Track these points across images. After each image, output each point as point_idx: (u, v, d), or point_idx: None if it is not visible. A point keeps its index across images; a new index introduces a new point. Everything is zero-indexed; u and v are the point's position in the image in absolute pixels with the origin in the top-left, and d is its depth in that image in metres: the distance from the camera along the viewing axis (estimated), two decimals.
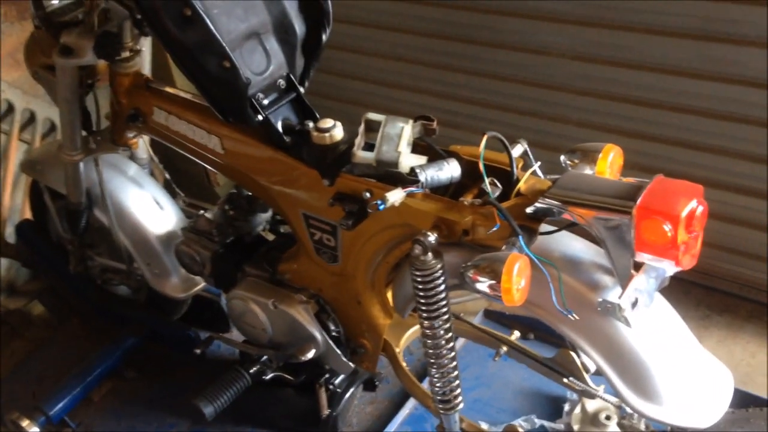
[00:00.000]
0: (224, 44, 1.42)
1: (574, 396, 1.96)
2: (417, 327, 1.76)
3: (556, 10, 2.34)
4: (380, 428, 2.06)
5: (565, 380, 1.63)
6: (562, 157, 1.40)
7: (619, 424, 1.85)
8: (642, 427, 1.82)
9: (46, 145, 2.55)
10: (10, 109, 2.68)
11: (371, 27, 2.73)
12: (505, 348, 1.71)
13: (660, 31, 2.20)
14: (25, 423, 2.06)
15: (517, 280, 1.17)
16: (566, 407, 1.97)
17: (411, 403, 2.08)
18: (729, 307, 2.42)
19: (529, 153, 1.44)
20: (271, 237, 1.93)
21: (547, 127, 2.55)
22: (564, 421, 1.93)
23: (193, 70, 1.47)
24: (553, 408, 2.05)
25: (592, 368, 1.60)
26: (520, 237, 1.22)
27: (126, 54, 1.73)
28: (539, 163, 1.38)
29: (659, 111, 2.31)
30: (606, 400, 1.61)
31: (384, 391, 2.17)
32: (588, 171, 1.34)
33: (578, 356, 1.60)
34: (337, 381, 1.86)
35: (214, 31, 1.41)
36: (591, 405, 1.90)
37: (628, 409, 1.65)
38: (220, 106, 1.54)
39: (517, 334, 1.74)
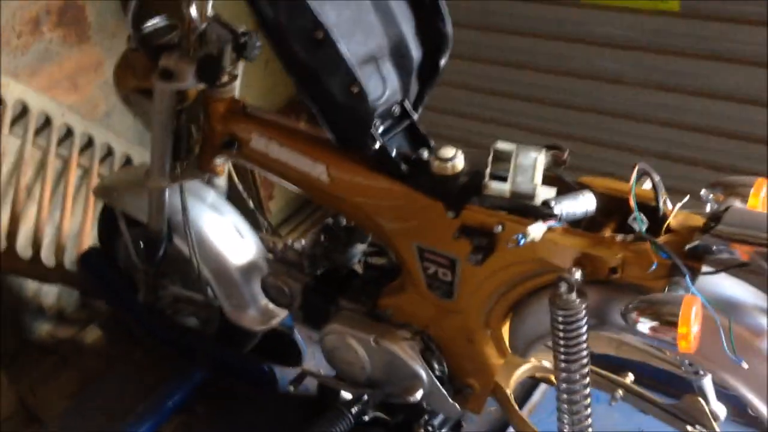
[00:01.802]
0: (354, 68, 1.36)
1: None
2: (527, 366, 1.68)
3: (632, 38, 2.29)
4: None
5: (689, 428, 1.54)
6: (704, 192, 1.33)
7: None
8: None
9: (122, 171, 2.50)
10: (69, 133, 2.62)
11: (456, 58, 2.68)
12: (621, 392, 1.63)
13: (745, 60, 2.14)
14: None
15: (693, 324, 1.10)
16: None
17: None
18: None
19: (661, 186, 1.37)
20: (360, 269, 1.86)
21: (622, 159, 2.49)
22: None
23: (316, 93, 1.41)
24: None
25: (722, 416, 1.52)
26: (688, 278, 1.14)
27: (225, 79, 1.67)
28: (687, 196, 1.31)
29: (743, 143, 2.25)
30: None
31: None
32: (739, 206, 1.27)
33: (707, 404, 1.51)
34: (436, 423, 1.77)
35: (346, 54, 1.35)
36: None
37: None
38: (338, 132, 1.48)
39: (631, 377, 1.66)
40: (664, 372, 1.91)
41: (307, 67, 1.38)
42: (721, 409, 1.50)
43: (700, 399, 1.51)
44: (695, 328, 1.11)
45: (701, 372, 1.48)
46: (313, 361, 2.21)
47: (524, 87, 2.52)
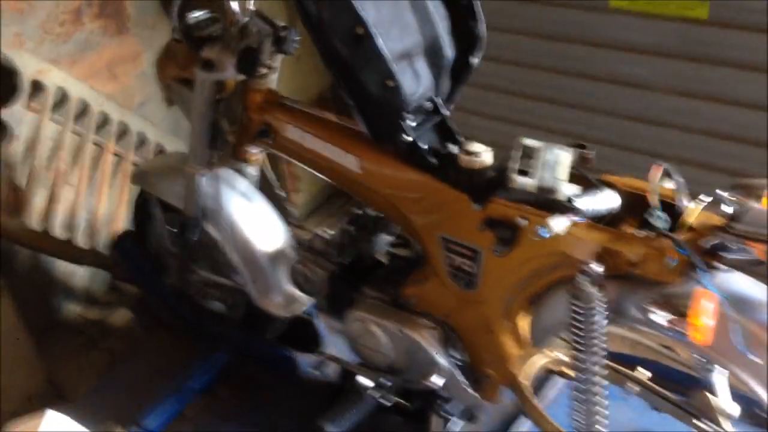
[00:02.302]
0: (391, 64, 1.42)
1: None
2: (544, 359, 1.73)
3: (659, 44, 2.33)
4: None
5: (698, 423, 1.58)
6: (723, 193, 1.37)
7: None
8: None
9: (159, 158, 2.57)
10: (106, 121, 2.70)
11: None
12: (634, 387, 1.67)
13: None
14: None
15: (706, 317, 1.14)
16: None
17: None
18: None
19: (683, 186, 1.41)
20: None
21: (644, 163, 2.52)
22: None
23: (352, 87, 1.47)
24: None
25: (736, 414, 1.55)
26: (704, 273, 1.19)
27: (264, 71, 1.73)
28: (710, 197, 1.35)
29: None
30: None
31: (483, 423, 2.10)
32: (756, 207, 1.31)
33: (718, 401, 1.55)
34: (452, 410, 1.82)
35: (384, 50, 1.41)
36: None
37: None
38: (372, 125, 1.54)
39: (645, 373, 1.70)
40: (676, 371, 1.95)
41: (346, 61, 1.44)
42: (734, 408, 1.54)
43: (710, 395, 1.54)
44: (710, 321, 1.16)
45: (713, 369, 1.52)
46: (333, 349, 2.27)
47: (549, 90, 2.57)
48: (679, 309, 1.16)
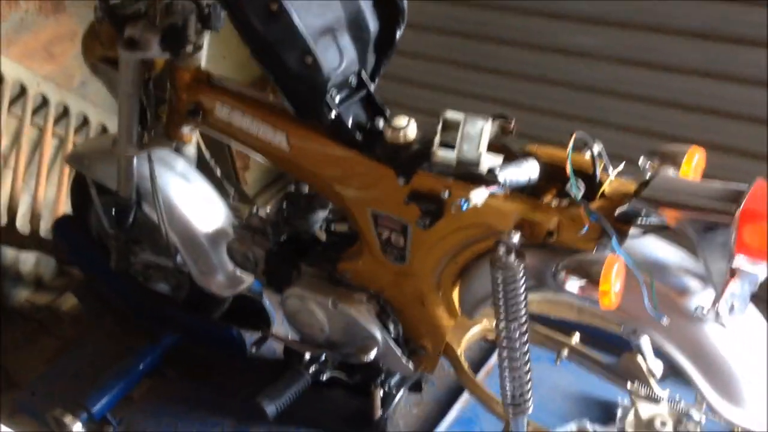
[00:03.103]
0: (308, 40, 1.41)
1: (626, 401, 1.95)
2: (477, 328, 1.76)
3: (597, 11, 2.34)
4: (428, 430, 2.04)
5: (628, 385, 1.62)
6: (641, 160, 1.39)
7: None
8: None
9: (94, 139, 2.53)
10: (45, 102, 2.65)
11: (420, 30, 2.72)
12: (566, 351, 1.71)
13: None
14: (67, 419, 2.03)
15: (614, 282, 1.16)
16: (619, 412, 1.95)
17: (458, 406, 2.07)
18: None
19: (605, 154, 1.43)
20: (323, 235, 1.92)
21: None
22: (618, 427, 1.91)
23: (272, 64, 1.46)
24: (603, 413, 2.04)
25: (659, 373, 1.60)
26: (614, 239, 1.21)
27: (190, 49, 1.71)
28: (623, 163, 1.37)
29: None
30: (672, 406, 1.60)
31: (430, 394, 2.15)
32: (671, 173, 1.34)
33: (645, 361, 1.59)
34: (393, 382, 1.84)
35: (300, 26, 1.40)
36: (645, 411, 1.88)
37: (696, 417, 1.65)
38: (295, 101, 1.53)
39: (577, 337, 1.74)
40: (615, 336, 1.99)
41: (262, 38, 1.43)
42: (657, 367, 1.58)
43: (638, 357, 1.58)
44: (617, 286, 1.18)
45: (638, 331, 1.56)
46: (282, 326, 2.27)
47: (488, 59, 2.57)
48: (587, 274, 1.18)
